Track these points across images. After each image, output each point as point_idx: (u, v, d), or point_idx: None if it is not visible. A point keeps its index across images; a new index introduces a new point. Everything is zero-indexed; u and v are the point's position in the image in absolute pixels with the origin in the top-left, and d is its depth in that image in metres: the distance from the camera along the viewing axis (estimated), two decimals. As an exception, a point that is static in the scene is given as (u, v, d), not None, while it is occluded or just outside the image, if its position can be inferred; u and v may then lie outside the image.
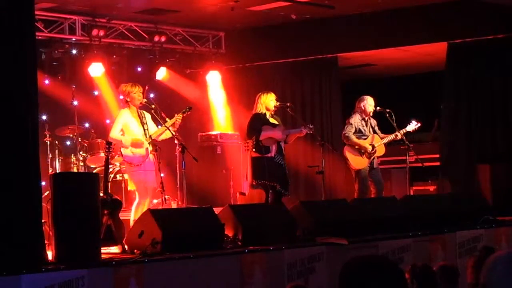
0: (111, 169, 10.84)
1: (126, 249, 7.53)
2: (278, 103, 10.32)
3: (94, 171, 10.98)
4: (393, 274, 2.98)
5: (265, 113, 10.24)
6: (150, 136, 9.26)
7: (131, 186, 9.53)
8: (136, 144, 9.15)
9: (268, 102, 10.24)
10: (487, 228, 9.53)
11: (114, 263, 6.62)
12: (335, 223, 8.40)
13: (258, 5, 12.37)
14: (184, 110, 9.44)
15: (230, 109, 14.00)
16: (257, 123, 10.16)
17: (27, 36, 6.52)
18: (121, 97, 9.50)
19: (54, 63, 12.55)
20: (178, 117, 9.28)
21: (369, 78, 15.50)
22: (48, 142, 11.03)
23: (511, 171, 11.78)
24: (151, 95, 12.31)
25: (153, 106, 9.33)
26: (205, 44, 14.22)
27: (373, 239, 8.35)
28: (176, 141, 9.54)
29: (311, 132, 10.34)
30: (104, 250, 7.22)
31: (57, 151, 11.21)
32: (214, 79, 13.99)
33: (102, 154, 10.53)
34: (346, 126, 11.03)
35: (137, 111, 9.34)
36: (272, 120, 10.25)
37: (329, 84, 13.77)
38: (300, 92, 13.91)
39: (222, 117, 14.07)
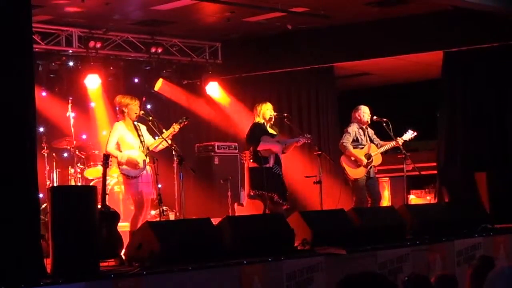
0: (108, 181, 10.83)
1: (125, 261, 7.52)
2: (275, 113, 10.35)
3: (92, 183, 10.97)
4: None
5: (263, 123, 10.26)
6: (147, 148, 9.25)
7: (128, 198, 9.51)
8: (130, 163, 9.13)
9: (264, 111, 10.26)
10: (485, 236, 9.54)
11: (112, 276, 6.61)
12: (333, 233, 8.40)
13: (254, 15, 12.39)
14: (180, 120, 9.42)
15: (227, 119, 14.01)
16: (256, 133, 10.17)
17: (24, 48, 6.53)
18: (117, 108, 9.46)
19: (51, 75, 12.55)
20: (174, 127, 9.27)
21: (365, 87, 15.52)
22: (46, 155, 11.03)
23: (508, 178, 11.77)
24: (148, 107, 12.33)
25: (150, 117, 9.34)
26: (201, 55, 14.25)
27: (371, 248, 8.35)
28: (174, 153, 9.54)
29: (309, 141, 10.35)
30: (102, 263, 7.22)
31: (54, 163, 11.20)
32: (213, 90, 13.99)
33: (100, 166, 10.52)
34: (344, 135, 11.04)
35: (133, 124, 9.34)
36: (270, 130, 10.27)
37: (326, 93, 13.79)
38: (296, 102, 13.93)
39: (219, 127, 14.07)
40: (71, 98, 11.75)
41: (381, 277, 3.05)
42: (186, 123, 9.47)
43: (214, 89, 13.99)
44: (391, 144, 10.92)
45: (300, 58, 13.71)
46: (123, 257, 7.63)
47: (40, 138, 10.72)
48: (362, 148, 10.94)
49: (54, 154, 11.28)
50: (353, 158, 10.85)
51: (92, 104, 12.80)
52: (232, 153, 13.29)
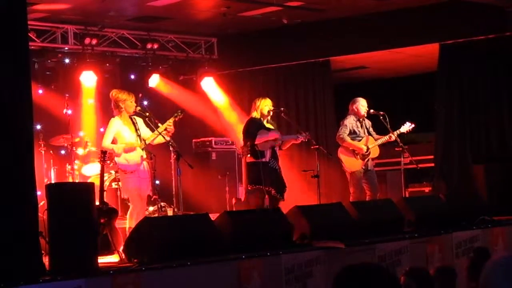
0: (106, 178, 10.83)
1: (123, 257, 7.52)
2: (272, 108, 10.34)
3: (89, 180, 10.98)
4: (387, 282, 2.98)
5: (260, 118, 10.25)
6: (144, 142, 9.25)
7: (125, 194, 9.52)
8: (128, 150, 9.13)
9: (263, 107, 10.26)
10: (484, 228, 9.54)
11: (111, 272, 6.61)
12: (332, 227, 8.40)
13: (250, 10, 12.38)
14: (176, 114, 9.42)
15: (224, 114, 14.00)
16: (253, 128, 10.17)
17: (20, 46, 6.52)
18: (113, 103, 9.45)
19: (47, 73, 12.55)
20: (170, 122, 9.27)
21: (362, 81, 15.52)
22: (43, 152, 11.03)
23: (506, 171, 11.79)
24: (145, 103, 12.29)
25: (147, 114, 9.33)
26: (197, 50, 14.24)
27: (370, 242, 8.35)
28: (171, 148, 9.55)
29: (306, 139, 10.35)
30: (101, 259, 7.22)
31: (51, 160, 11.20)
32: (208, 85, 14.00)
33: (97, 163, 10.52)
34: (340, 128, 11.03)
35: (130, 118, 9.33)
36: (267, 125, 10.26)
37: (322, 87, 13.79)
38: (293, 97, 13.92)
39: (216, 122, 14.07)
40: (67, 95, 11.76)
41: (381, 268, 3.05)
42: (181, 116, 9.48)
43: (210, 85, 13.98)
44: (387, 137, 10.91)
45: (296, 52, 13.71)
46: (122, 253, 7.63)
47: (37, 135, 10.70)
48: (360, 140, 10.94)
49: (51, 152, 11.27)
50: (351, 148, 10.84)
51: (89, 101, 12.78)
52: (229, 148, 13.29)
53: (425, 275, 4.99)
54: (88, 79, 12.59)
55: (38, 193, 6.94)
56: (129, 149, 9.15)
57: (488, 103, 12.42)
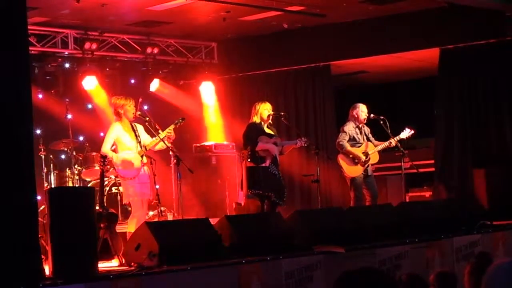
0: (106, 182, 10.82)
1: (123, 262, 7.52)
2: (272, 113, 10.33)
3: (89, 185, 10.97)
4: (387, 286, 2.98)
5: (260, 123, 10.24)
6: (144, 148, 9.25)
7: (126, 199, 9.51)
8: (126, 165, 9.11)
9: (262, 111, 10.24)
10: (484, 233, 9.54)
11: (111, 276, 6.61)
12: (332, 232, 8.40)
13: (250, 15, 12.38)
14: (177, 121, 9.44)
15: (224, 119, 14.01)
16: (253, 133, 10.15)
17: (20, 50, 6.52)
18: (113, 109, 9.46)
19: (48, 77, 12.57)
20: (170, 128, 9.27)
21: (362, 86, 15.52)
22: (43, 156, 11.02)
23: (506, 174, 11.79)
24: (145, 107, 12.31)
25: (147, 118, 9.33)
26: (197, 55, 14.24)
27: (370, 246, 8.35)
28: (171, 153, 9.54)
29: (306, 145, 10.35)
30: (101, 264, 7.22)
31: (52, 165, 11.19)
32: (207, 90, 14.00)
33: (97, 167, 10.52)
34: (340, 134, 11.04)
35: (130, 124, 9.33)
36: (267, 130, 10.25)
37: (322, 92, 13.79)
38: (293, 101, 13.91)
39: (216, 127, 14.06)
40: (67, 99, 11.75)
41: (380, 273, 3.05)
42: (181, 124, 9.49)
43: (210, 89, 13.99)
44: (387, 143, 10.91)
45: (296, 57, 13.70)
46: (122, 258, 7.63)
47: (37, 140, 10.69)
48: (359, 146, 10.94)
49: (51, 156, 11.26)
50: (351, 156, 10.85)
51: (89, 106, 12.80)
52: (229, 152, 13.27)
53: (419, 282, 4.98)
54: (89, 84, 12.59)
55: (38, 197, 6.94)
56: (125, 164, 9.13)
57: (488, 108, 12.41)
